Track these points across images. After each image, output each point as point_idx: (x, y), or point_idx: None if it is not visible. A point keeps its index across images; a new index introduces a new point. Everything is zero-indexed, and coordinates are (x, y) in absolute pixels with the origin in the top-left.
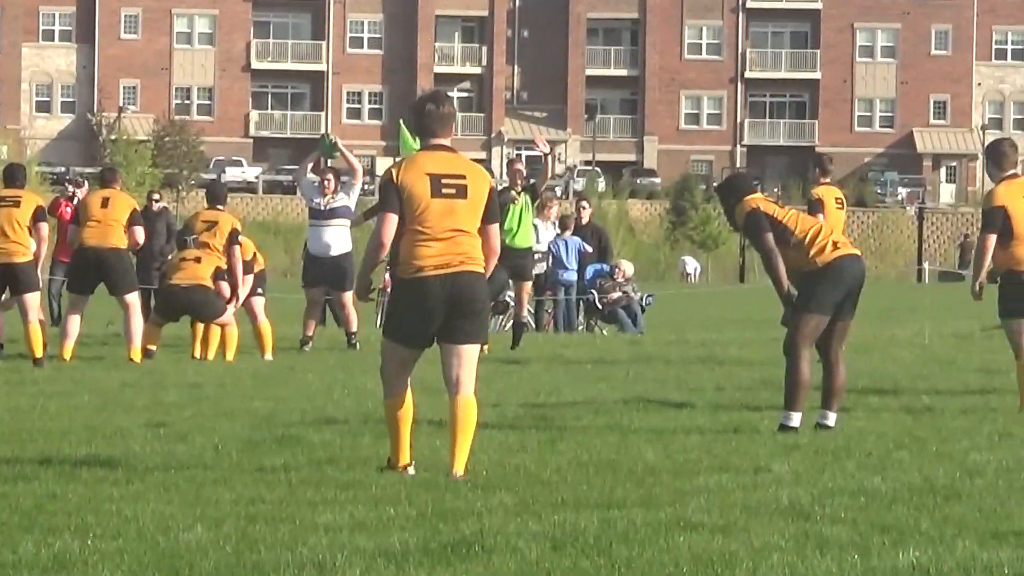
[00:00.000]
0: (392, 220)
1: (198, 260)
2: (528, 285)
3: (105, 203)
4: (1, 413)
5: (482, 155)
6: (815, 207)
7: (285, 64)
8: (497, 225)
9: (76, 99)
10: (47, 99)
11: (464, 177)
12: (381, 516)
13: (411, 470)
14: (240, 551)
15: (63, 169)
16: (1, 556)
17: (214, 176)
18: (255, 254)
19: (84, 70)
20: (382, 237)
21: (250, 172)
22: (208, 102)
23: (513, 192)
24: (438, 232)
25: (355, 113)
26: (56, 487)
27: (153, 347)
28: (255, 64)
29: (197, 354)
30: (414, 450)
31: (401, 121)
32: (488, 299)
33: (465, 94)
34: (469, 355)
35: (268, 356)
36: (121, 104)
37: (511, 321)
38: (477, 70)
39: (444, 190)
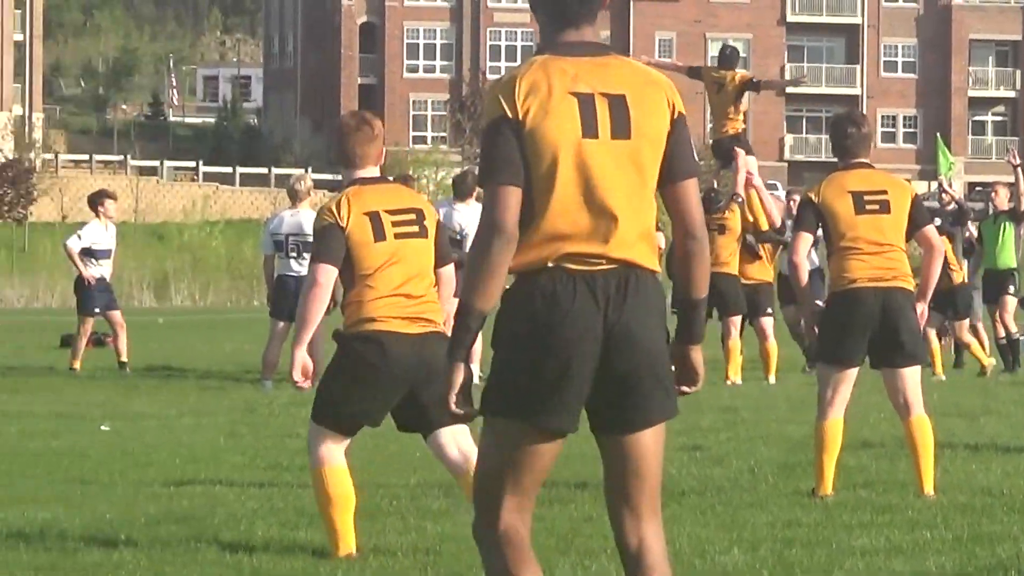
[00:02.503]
0: (807, 239)
1: None
2: (1007, 300)
3: None
4: None
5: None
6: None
7: (819, 88)
8: (931, 227)
9: None
10: None
11: (886, 192)
12: (917, 540)
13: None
14: (776, 575)
15: None
16: None
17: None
18: None
19: None
20: (794, 256)
21: (782, 194)
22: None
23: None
24: (868, 247)
25: (890, 137)
26: (592, 510)
27: None
28: (790, 88)
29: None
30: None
31: (938, 136)
32: (917, 318)
33: (999, 118)
34: (912, 377)
35: (771, 379)
36: None
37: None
38: (1011, 94)
39: (868, 207)
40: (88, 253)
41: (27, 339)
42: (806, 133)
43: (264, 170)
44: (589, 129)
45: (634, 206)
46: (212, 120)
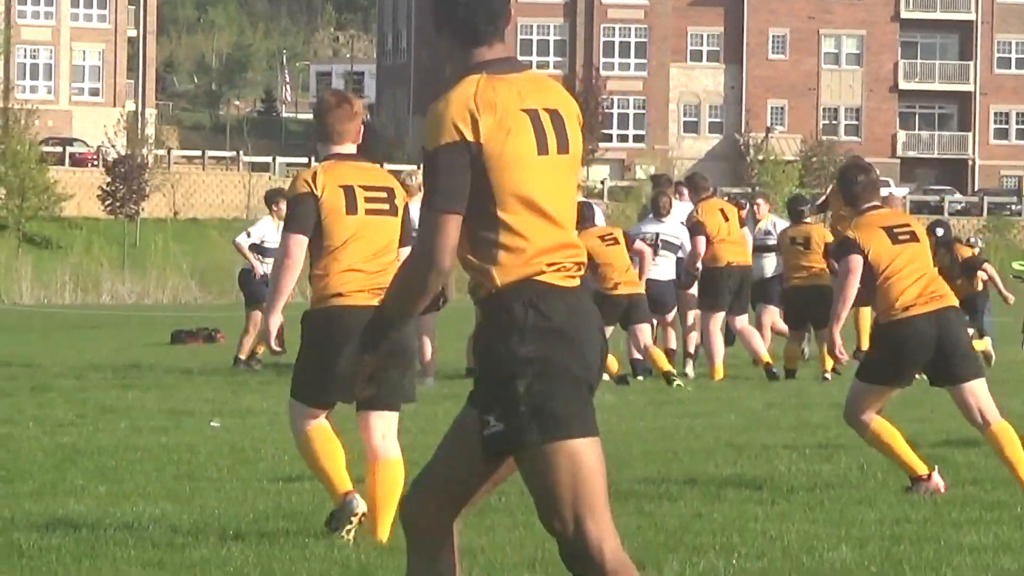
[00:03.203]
0: (859, 260)
1: None
2: None
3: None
4: (647, 432)
5: None
6: (696, 229)
7: (932, 85)
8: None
9: (723, 119)
10: (695, 119)
11: (909, 224)
12: None
13: None
14: (885, 571)
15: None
16: (647, 575)
17: None
18: None
19: (732, 91)
20: (853, 273)
21: (897, 192)
22: (855, 122)
23: None
24: (911, 274)
25: (1002, 134)
26: (701, 507)
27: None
28: (903, 85)
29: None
30: None
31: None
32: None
33: None
34: (980, 389)
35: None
36: (768, 124)
37: None
38: None
39: (900, 237)
40: (257, 249)
41: (137, 335)
42: (919, 129)
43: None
44: (542, 146)
45: (571, 220)
46: None
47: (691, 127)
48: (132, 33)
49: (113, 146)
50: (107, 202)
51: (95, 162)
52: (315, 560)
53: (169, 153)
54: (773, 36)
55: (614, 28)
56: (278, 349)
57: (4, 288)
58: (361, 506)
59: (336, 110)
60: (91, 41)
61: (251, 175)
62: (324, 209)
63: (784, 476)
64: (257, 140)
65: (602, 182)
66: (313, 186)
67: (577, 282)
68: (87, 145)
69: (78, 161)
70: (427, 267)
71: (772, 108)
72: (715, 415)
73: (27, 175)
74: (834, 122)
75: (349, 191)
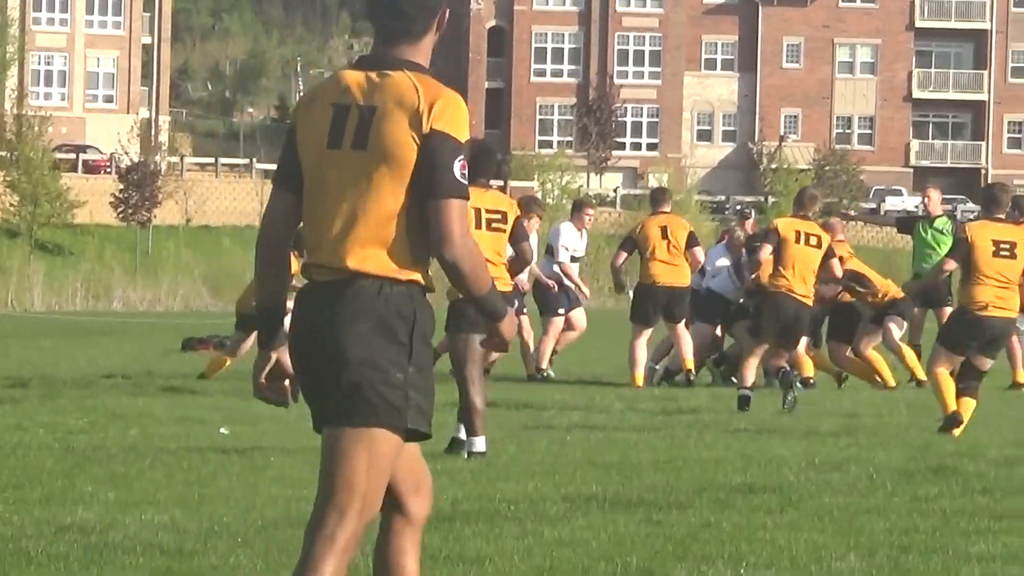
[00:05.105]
0: None
1: None
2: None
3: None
4: (657, 441)
5: None
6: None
7: (946, 94)
8: None
9: (737, 128)
10: (708, 128)
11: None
12: None
13: None
14: None
15: (723, 198)
16: None
17: (873, 206)
18: None
19: (746, 99)
20: None
21: (910, 202)
22: (869, 131)
23: None
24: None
25: (1016, 143)
26: (710, 515)
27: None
28: (916, 93)
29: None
30: None
31: None
32: None
33: None
34: None
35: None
36: (782, 133)
37: None
38: None
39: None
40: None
41: (148, 342)
42: (932, 139)
43: None
44: (335, 140)
45: (364, 217)
46: None
47: (704, 135)
48: (147, 40)
49: (126, 153)
50: (120, 209)
51: (108, 169)
52: None
53: (182, 160)
54: (788, 45)
55: (628, 36)
56: None
57: (16, 295)
58: None
59: None
60: (105, 48)
61: (264, 182)
62: None
63: (794, 485)
64: (270, 147)
65: (615, 190)
66: None
67: (324, 278)
68: (100, 152)
69: (91, 168)
70: (258, 235)
71: (786, 117)
72: (726, 424)
73: (40, 182)
74: (848, 131)
75: None
